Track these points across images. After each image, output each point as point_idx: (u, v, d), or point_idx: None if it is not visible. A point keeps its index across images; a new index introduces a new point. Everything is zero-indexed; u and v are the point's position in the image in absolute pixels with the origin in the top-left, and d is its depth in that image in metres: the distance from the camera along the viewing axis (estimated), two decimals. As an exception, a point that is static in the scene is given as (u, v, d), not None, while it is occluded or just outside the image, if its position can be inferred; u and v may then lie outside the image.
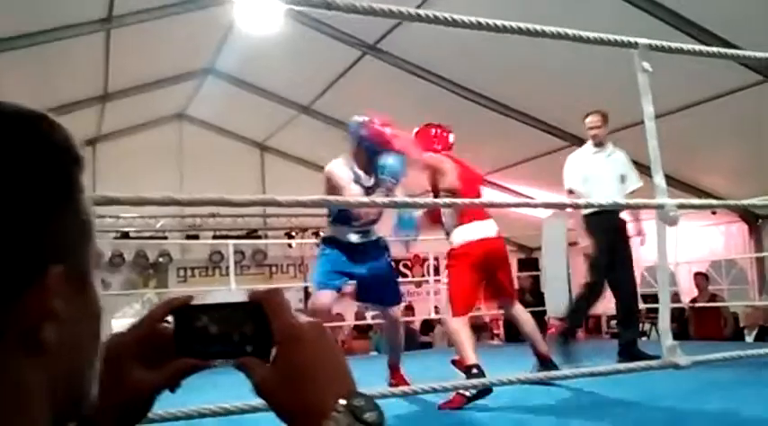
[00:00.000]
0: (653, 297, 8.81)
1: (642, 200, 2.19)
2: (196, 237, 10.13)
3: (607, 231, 4.51)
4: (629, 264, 4.80)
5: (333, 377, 0.60)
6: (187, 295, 0.66)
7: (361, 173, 3.79)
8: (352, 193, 3.59)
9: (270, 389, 0.60)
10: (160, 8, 6.46)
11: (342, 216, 3.83)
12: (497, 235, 3.95)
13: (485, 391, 3.36)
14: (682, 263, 7.79)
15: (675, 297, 8.33)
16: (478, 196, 3.98)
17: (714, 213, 8.39)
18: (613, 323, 10.04)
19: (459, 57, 6.86)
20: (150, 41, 7.09)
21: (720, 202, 2.44)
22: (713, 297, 7.90)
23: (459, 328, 3.71)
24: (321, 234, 4.05)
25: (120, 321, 10.22)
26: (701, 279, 8.01)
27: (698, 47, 2.42)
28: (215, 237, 10.16)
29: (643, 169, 7.25)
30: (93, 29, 6.41)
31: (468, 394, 3.40)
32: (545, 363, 3.92)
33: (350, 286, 3.93)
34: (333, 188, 3.70)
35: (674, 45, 2.21)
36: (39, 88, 7.14)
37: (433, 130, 4.24)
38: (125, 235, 9.88)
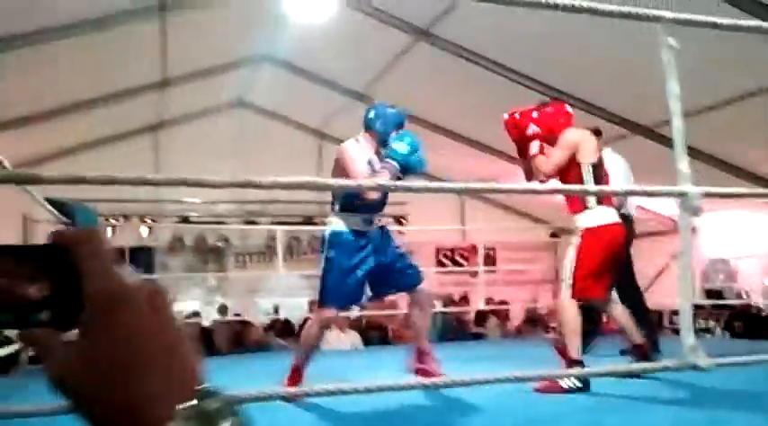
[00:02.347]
0: (717, 293, 8.48)
1: (664, 188, 2.03)
2: (254, 223, 10.27)
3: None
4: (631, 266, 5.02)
5: (172, 367, 0.41)
6: None
7: (374, 156, 3.73)
8: (359, 173, 3.49)
9: (72, 378, 0.41)
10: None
11: (348, 202, 3.66)
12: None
13: (585, 386, 3.32)
14: (744, 258, 7.37)
15: (737, 294, 7.95)
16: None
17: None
18: (675, 318, 9.68)
19: (513, 42, 6.70)
20: (206, 27, 7.20)
21: (750, 190, 2.25)
22: None
23: (575, 316, 3.58)
24: (327, 227, 3.73)
25: (181, 304, 10.54)
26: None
27: (730, 21, 2.23)
28: (273, 224, 10.29)
29: (712, 161, 7.06)
30: (149, 15, 6.55)
31: (566, 386, 3.35)
32: (641, 352, 3.77)
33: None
34: (342, 168, 3.62)
35: (701, 18, 2.05)
36: (97, 75, 7.36)
37: (562, 107, 4.26)
38: (185, 220, 10.10)
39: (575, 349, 3.48)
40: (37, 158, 8.74)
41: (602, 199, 3.66)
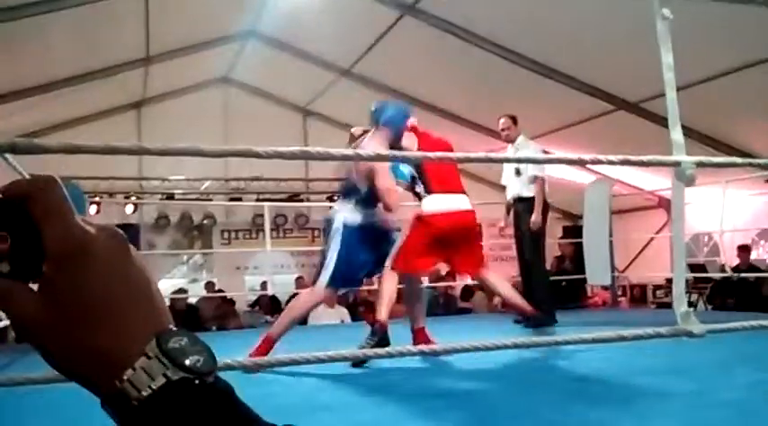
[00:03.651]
0: (700, 267, 8.60)
1: (658, 157, 2.05)
2: (239, 200, 10.23)
3: (516, 215, 5.61)
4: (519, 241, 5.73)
5: (137, 309, 0.42)
6: None
7: None
8: (390, 183, 3.77)
9: (38, 328, 0.41)
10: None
11: (366, 200, 3.78)
12: (467, 208, 4.10)
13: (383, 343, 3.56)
14: (727, 232, 7.47)
15: (721, 268, 8.07)
16: (450, 170, 4.16)
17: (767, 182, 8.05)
18: (660, 292, 9.83)
19: (499, 16, 6.68)
20: (189, 3, 7.10)
21: (744, 160, 2.28)
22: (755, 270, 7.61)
23: (390, 285, 3.85)
24: (339, 216, 3.82)
25: (168, 281, 10.51)
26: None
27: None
28: (258, 201, 10.26)
29: (698, 136, 7.13)
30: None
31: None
32: (531, 318, 4.39)
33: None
34: (370, 169, 3.68)
35: (696, -10, 2.06)
36: (79, 51, 7.25)
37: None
38: (170, 197, 10.05)
39: (381, 311, 3.73)
40: (16, 135, 8.63)
41: (434, 186, 4.01)
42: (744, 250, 7.92)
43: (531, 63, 7.33)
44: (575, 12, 6.06)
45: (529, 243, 5.53)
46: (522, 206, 5.53)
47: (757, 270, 7.67)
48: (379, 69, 8.77)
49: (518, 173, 5.56)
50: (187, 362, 0.40)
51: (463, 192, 4.14)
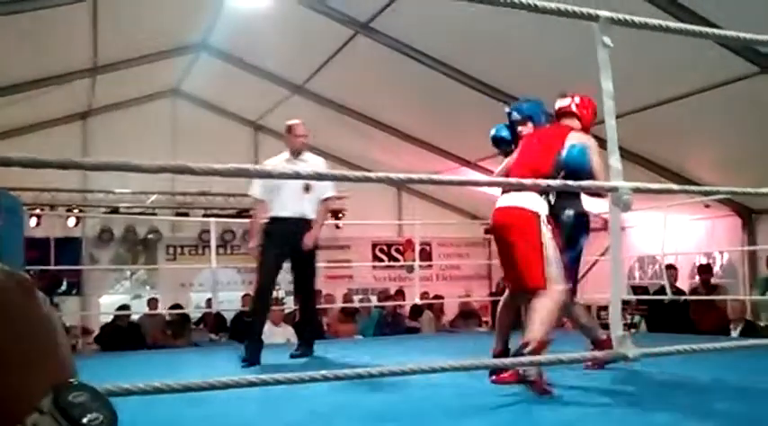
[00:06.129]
0: (643, 289, 8.79)
1: (595, 183, 2.08)
2: (186, 215, 10.05)
3: (289, 235, 4.72)
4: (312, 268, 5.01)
5: (35, 360, 0.39)
6: None
7: None
8: None
9: None
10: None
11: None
12: (511, 204, 3.44)
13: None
14: (668, 255, 7.67)
15: (662, 291, 8.25)
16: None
17: (707, 207, 8.30)
18: (604, 314, 9.98)
19: (453, 39, 6.75)
20: (139, 13, 6.99)
21: (680, 187, 2.34)
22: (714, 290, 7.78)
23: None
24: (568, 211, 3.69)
25: (110, 297, 10.23)
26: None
27: (666, 22, 2.30)
28: (205, 216, 10.08)
29: (642, 161, 7.31)
30: (78, -2, 6.31)
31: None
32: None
33: None
34: None
35: (637, 19, 2.10)
36: (24, 59, 7.06)
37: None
38: (115, 211, 9.80)
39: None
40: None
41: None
42: (704, 270, 8.11)
43: (481, 85, 7.42)
44: (527, 36, 6.17)
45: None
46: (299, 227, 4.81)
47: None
48: (332, 86, 8.77)
49: (308, 189, 4.85)
50: (85, 420, 0.38)
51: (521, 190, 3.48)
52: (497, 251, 3.69)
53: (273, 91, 9.20)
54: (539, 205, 3.29)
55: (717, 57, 5.40)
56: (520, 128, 4.07)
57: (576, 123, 3.76)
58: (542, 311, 3.11)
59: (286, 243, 4.73)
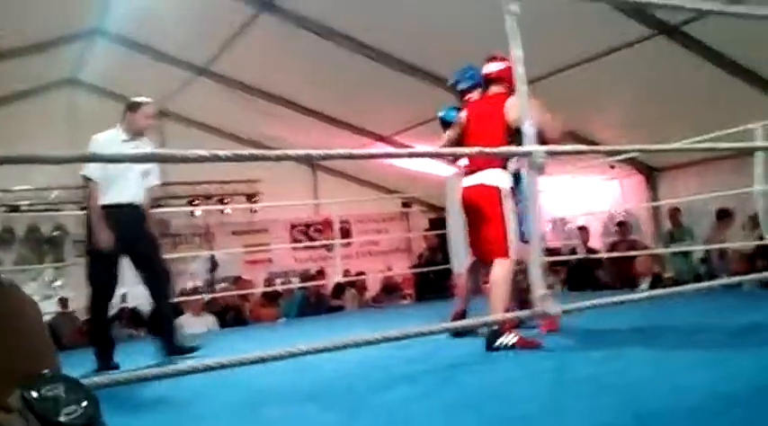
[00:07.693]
0: (556, 251, 9.12)
1: (511, 148, 2.12)
2: (93, 209, 9.62)
3: (127, 224, 4.12)
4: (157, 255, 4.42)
5: (10, 356, 0.38)
6: None
7: None
8: None
9: None
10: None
11: None
12: (476, 183, 3.68)
13: None
14: (581, 216, 7.98)
15: (574, 251, 8.60)
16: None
17: (612, 167, 8.66)
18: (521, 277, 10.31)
19: (358, 14, 6.71)
20: (26, 2, 6.59)
21: (589, 148, 2.44)
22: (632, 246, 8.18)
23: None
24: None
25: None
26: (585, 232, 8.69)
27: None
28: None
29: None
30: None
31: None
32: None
33: None
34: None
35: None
36: None
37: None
38: (15, 209, 9.30)
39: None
40: None
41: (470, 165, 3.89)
42: (623, 227, 8.58)
43: (387, 58, 7.42)
44: (430, 7, 6.19)
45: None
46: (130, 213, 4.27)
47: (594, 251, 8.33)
48: (237, 67, 8.58)
49: (146, 174, 4.37)
50: (62, 419, 0.35)
51: (486, 168, 3.68)
52: (467, 223, 4.02)
53: (176, 74, 8.91)
54: (500, 180, 3.54)
55: (615, 21, 5.59)
56: (468, 96, 4.29)
57: (504, 87, 3.80)
58: (501, 286, 3.46)
59: (123, 234, 4.10)
